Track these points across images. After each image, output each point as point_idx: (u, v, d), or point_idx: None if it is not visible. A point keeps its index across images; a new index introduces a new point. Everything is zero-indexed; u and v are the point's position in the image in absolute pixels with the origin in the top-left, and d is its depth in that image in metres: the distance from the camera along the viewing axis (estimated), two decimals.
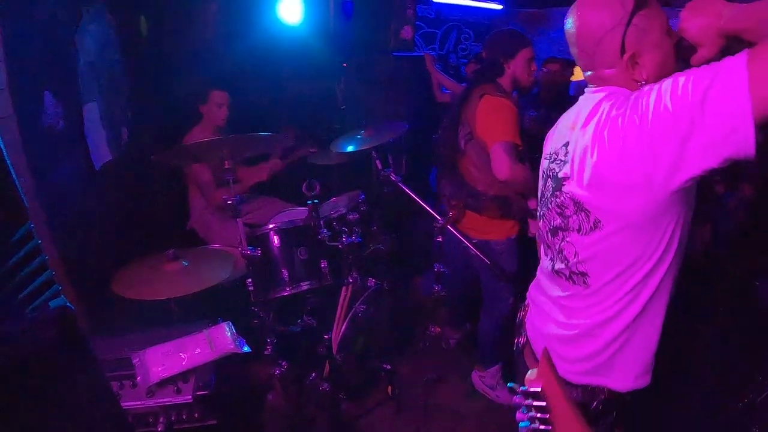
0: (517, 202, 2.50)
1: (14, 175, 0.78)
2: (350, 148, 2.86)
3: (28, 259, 0.77)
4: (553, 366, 0.95)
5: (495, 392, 2.95)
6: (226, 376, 1.74)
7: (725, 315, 2.85)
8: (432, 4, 5.36)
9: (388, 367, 2.75)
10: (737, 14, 0.99)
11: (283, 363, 2.43)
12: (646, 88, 1.05)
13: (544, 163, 1.37)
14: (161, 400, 1.54)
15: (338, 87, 3.62)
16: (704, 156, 0.93)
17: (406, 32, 3.89)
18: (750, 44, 0.93)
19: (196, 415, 1.55)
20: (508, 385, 0.97)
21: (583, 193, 1.17)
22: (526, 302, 1.54)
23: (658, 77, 1.06)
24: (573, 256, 1.24)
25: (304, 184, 2.35)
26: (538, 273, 1.49)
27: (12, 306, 0.74)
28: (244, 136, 2.07)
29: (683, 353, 2.60)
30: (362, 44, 3.76)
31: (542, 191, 1.37)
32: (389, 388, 2.82)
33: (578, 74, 4.79)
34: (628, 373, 1.25)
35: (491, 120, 2.35)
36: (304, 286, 2.39)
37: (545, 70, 3.80)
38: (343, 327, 2.49)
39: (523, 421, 0.92)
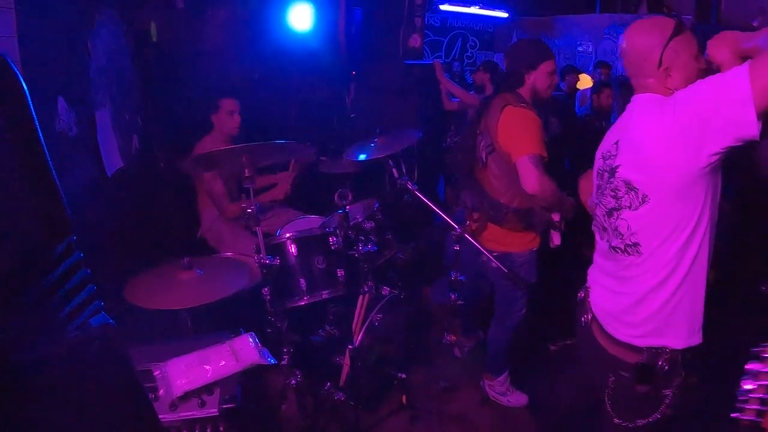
0: (540, 214, 2.46)
1: (61, 190, 0.73)
2: (363, 157, 2.82)
3: (69, 275, 0.72)
4: None
5: (506, 398, 2.91)
6: (251, 388, 1.69)
7: None
8: (438, 12, 5.35)
9: (403, 376, 2.70)
10: (752, 40, 1.31)
11: (298, 373, 2.38)
12: (677, 92, 1.37)
13: (600, 162, 1.62)
14: (185, 414, 1.48)
15: (348, 95, 3.58)
16: (721, 135, 1.24)
17: (415, 40, 3.87)
18: None
19: (221, 428, 1.49)
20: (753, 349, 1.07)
21: (632, 175, 1.45)
22: (588, 284, 1.76)
23: (685, 85, 1.41)
24: (627, 230, 1.49)
25: (337, 194, 2.31)
26: (595, 258, 1.74)
27: (53, 326, 0.68)
28: (264, 144, 2.02)
29: None
30: (371, 52, 3.73)
31: (599, 184, 1.62)
32: (403, 397, 2.77)
33: (584, 83, 4.81)
34: (681, 330, 1.48)
35: (516, 132, 2.31)
36: (323, 295, 2.34)
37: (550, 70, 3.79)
38: (360, 336, 2.43)
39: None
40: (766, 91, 1.17)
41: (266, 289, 2.24)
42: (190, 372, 1.53)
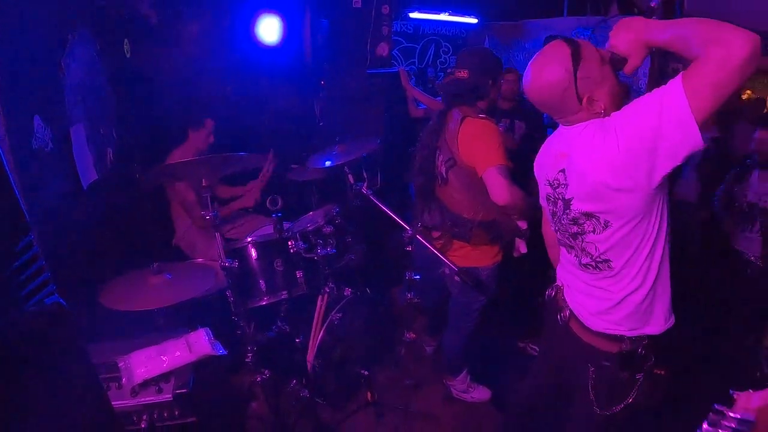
0: (506, 223, 2.53)
1: (17, 191, 0.98)
2: (327, 164, 3.07)
3: (28, 264, 0.98)
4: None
5: (469, 395, 3.15)
6: (208, 380, 1.94)
7: None
8: (409, 19, 5.63)
9: (366, 372, 2.95)
10: (659, 29, 1.35)
11: (266, 372, 2.62)
12: (615, 116, 1.46)
13: (548, 189, 1.74)
14: (144, 399, 1.74)
15: (316, 104, 3.85)
16: (670, 157, 1.34)
17: (383, 49, 4.14)
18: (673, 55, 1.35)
19: (176, 413, 1.75)
20: (715, 406, 1.01)
21: (589, 206, 1.57)
22: (559, 283, 1.91)
23: (614, 101, 1.54)
24: (595, 251, 1.64)
25: (268, 199, 2.54)
26: (564, 263, 1.88)
27: (15, 301, 0.94)
28: (219, 156, 2.28)
29: None
30: (339, 62, 4.00)
31: (554, 211, 1.74)
32: (369, 393, 3.01)
33: None
34: (659, 320, 1.68)
35: (479, 145, 2.36)
36: (281, 295, 2.59)
37: (502, 80, 4.02)
38: (320, 334, 2.69)
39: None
40: (704, 107, 1.26)
41: (229, 291, 2.50)
42: (149, 362, 1.79)
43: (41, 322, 0.95)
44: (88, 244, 2.82)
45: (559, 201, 1.68)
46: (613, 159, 1.42)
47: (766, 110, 6.11)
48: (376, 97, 3.99)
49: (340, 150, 3.06)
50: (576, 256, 1.73)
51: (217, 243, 2.36)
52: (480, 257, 2.62)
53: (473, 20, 5.76)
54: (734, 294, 3.48)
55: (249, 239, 2.62)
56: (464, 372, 3.11)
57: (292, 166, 3.68)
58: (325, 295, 2.70)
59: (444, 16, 5.47)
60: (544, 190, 1.79)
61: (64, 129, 2.84)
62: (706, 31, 1.25)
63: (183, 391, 1.73)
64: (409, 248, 2.67)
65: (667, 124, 1.30)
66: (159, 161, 3.25)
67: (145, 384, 1.76)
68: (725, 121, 4.63)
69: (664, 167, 1.37)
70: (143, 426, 1.72)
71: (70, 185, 2.84)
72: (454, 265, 2.45)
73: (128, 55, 3.54)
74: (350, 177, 2.79)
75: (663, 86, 1.32)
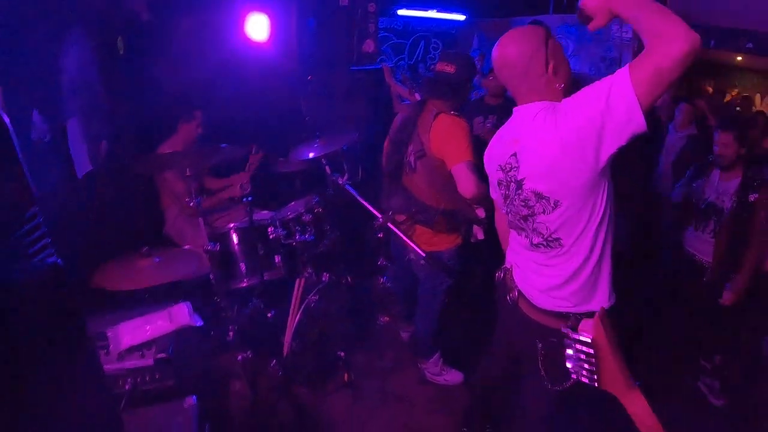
0: (464, 214, 2.78)
1: (25, 168, 1.25)
2: (311, 155, 3.32)
3: (35, 230, 1.25)
4: (606, 323, 1.22)
5: (442, 377, 3.40)
6: (188, 349, 2.21)
7: None
8: (397, 16, 5.87)
9: (342, 354, 3.21)
10: (623, 4, 1.51)
11: (248, 352, 2.88)
12: (566, 101, 1.64)
13: (500, 174, 1.90)
14: (128, 364, 2.01)
15: (303, 99, 4.10)
16: (616, 138, 1.52)
17: (368, 46, 4.38)
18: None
19: (156, 376, 2.02)
20: (561, 330, 1.33)
21: (540, 186, 1.73)
22: (508, 266, 2.10)
23: (567, 85, 1.75)
24: (546, 230, 1.81)
25: (239, 185, 2.80)
26: (514, 246, 2.05)
27: (22, 258, 1.21)
28: (203, 147, 2.54)
29: None
30: (327, 58, 4.25)
31: (506, 194, 1.90)
32: (345, 375, 3.26)
33: None
34: (603, 295, 1.87)
35: (449, 140, 2.58)
36: (263, 277, 2.86)
37: (491, 77, 4.24)
38: (298, 316, 2.95)
39: (573, 358, 1.26)
40: (648, 93, 1.44)
41: (212, 274, 2.76)
42: (135, 331, 2.06)
43: (42, 275, 1.22)
44: (81, 229, 3.08)
45: (512, 183, 1.85)
46: (565, 139, 1.60)
47: (755, 109, 6.34)
48: (359, 92, 4.24)
49: (320, 143, 3.31)
50: (527, 237, 1.90)
51: (201, 228, 2.62)
52: (441, 242, 2.89)
53: (461, 17, 6.00)
54: (681, 295, 3.53)
55: (231, 225, 2.88)
56: (437, 355, 3.35)
57: (280, 158, 3.93)
58: (303, 279, 2.96)
59: (432, 13, 5.72)
60: (495, 176, 1.96)
61: (61, 122, 3.11)
62: (656, 24, 1.43)
63: (162, 355, 1.99)
64: (380, 235, 2.93)
65: (614, 106, 1.48)
66: (151, 153, 3.51)
67: (130, 350, 2.03)
68: (704, 119, 4.87)
69: (610, 147, 1.55)
70: (127, 388, 1.99)
71: (66, 174, 3.11)
72: (422, 250, 2.74)
73: (121, 52, 3.80)
74: (327, 168, 3.05)
75: (612, 75, 1.52)
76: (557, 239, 1.81)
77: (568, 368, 1.93)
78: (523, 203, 1.82)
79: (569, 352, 1.17)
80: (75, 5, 3.29)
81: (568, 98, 1.65)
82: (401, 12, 5.69)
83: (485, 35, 6.10)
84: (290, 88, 4.12)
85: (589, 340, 1.14)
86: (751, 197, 3.10)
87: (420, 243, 2.80)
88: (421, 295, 3.14)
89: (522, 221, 1.88)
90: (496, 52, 1.79)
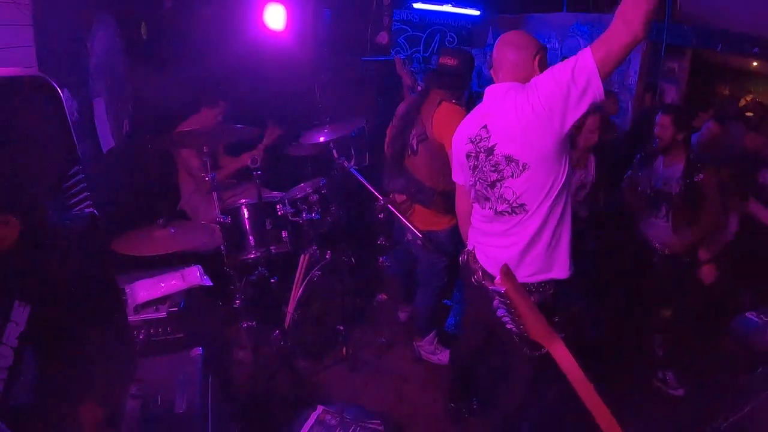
0: None
1: (76, 145, 1.55)
2: (321, 140, 3.59)
3: (77, 184, 1.54)
4: (512, 276, 1.34)
5: (436, 356, 3.65)
6: (198, 310, 2.50)
7: None
8: (413, 9, 6.13)
9: (341, 328, 3.49)
10: None
11: (253, 322, 3.17)
12: (533, 80, 1.98)
13: (469, 147, 2.19)
14: (144, 316, 2.30)
15: (317, 87, 4.38)
16: (580, 103, 1.85)
17: (382, 37, 4.65)
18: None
19: (168, 329, 2.31)
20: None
21: (511, 149, 2.02)
22: (470, 248, 2.33)
23: None
24: (512, 195, 2.07)
25: (250, 159, 3.08)
26: (476, 223, 2.29)
27: (67, 207, 1.51)
28: (217, 126, 2.84)
29: None
30: (340, 48, 4.52)
31: (474, 164, 2.17)
32: (343, 349, 3.54)
33: None
34: (563, 264, 2.14)
35: (450, 126, 2.69)
36: (271, 250, 3.14)
37: None
38: (301, 289, 3.24)
39: (499, 308, 1.40)
40: (604, 64, 1.80)
41: (223, 245, 3.06)
42: (150, 289, 2.35)
43: (82, 222, 1.52)
44: (103, 201, 3.39)
45: (481, 153, 2.14)
46: (536, 105, 1.92)
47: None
48: (370, 82, 4.51)
49: (330, 128, 3.59)
50: (491, 207, 2.17)
51: (213, 202, 2.91)
52: (438, 221, 3.16)
53: (475, 12, 6.23)
54: (638, 283, 3.68)
55: (242, 201, 3.18)
56: (432, 333, 3.61)
57: (293, 143, 4.21)
58: (307, 255, 3.24)
59: (447, 8, 5.96)
60: (464, 149, 2.23)
61: (88, 101, 3.43)
62: (633, 9, 1.74)
63: (174, 310, 2.28)
64: (380, 216, 3.20)
65: (578, 76, 1.83)
66: (170, 133, 3.82)
67: (145, 305, 2.32)
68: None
69: (576, 111, 1.88)
70: (141, 338, 2.28)
71: (92, 150, 3.43)
72: (418, 231, 3.04)
73: (145, 37, 4.12)
74: (334, 152, 3.33)
75: (576, 54, 1.87)
76: (522, 204, 2.07)
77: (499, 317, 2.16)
78: (493, 168, 2.10)
79: (495, 302, 1.39)
80: None
81: (536, 77, 1.99)
82: (417, 5, 5.94)
83: (499, 30, 6.32)
84: (305, 75, 4.39)
85: (503, 291, 1.31)
86: (697, 178, 3.32)
87: (418, 223, 3.10)
88: (420, 273, 3.41)
89: (489, 189, 2.14)
90: (507, 34, 2.18)
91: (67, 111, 2.78)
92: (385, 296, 3.67)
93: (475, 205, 2.30)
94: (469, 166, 2.22)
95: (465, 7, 6.09)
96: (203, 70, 4.12)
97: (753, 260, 3.53)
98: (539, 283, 2.15)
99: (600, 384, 1.29)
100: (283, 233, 3.17)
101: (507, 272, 1.29)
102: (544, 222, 2.08)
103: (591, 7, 5.56)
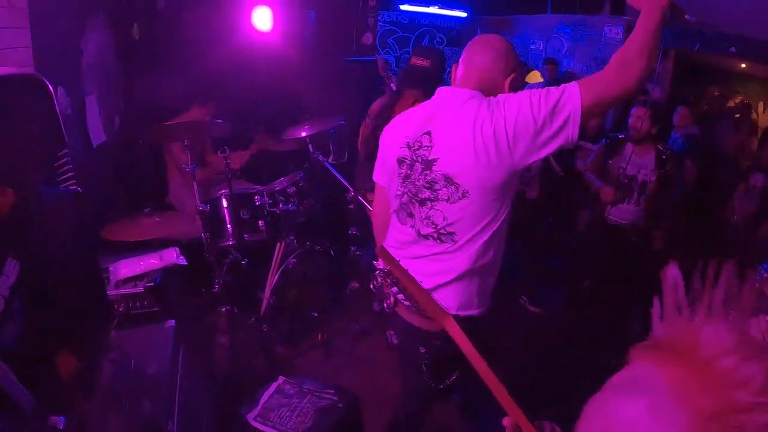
0: None
1: (64, 132, 1.91)
2: (302, 134, 3.94)
3: (64, 165, 1.91)
4: (391, 257, 1.32)
5: None
6: (173, 285, 2.86)
7: None
8: (400, 10, 6.50)
9: (316, 314, 3.83)
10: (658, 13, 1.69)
11: (232, 307, 3.51)
12: (508, 96, 1.78)
13: (404, 152, 1.94)
14: (124, 291, 2.66)
15: (301, 86, 4.75)
16: (547, 145, 1.70)
17: (367, 38, 5.01)
18: None
19: (145, 303, 2.67)
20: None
21: (454, 171, 1.77)
22: (384, 269, 2.01)
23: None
24: (442, 221, 1.84)
25: (240, 162, 3.43)
26: (393, 242, 2.04)
27: (55, 184, 1.88)
28: (196, 122, 3.21)
29: None
30: (324, 49, 4.89)
31: (407, 174, 1.92)
32: (319, 335, 3.87)
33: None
34: (485, 302, 1.98)
35: None
36: (245, 238, 3.50)
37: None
38: (276, 276, 3.59)
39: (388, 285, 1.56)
40: (590, 109, 1.66)
41: (204, 234, 3.42)
42: (130, 266, 2.72)
43: (67, 197, 1.89)
44: (93, 191, 3.77)
45: (417, 164, 1.88)
46: (500, 132, 1.70)
47: (755, 116, 6.78)
48: (353, 81, 4.86)
49: (309, 125, 3.95)
50: (413, 226, 1.93)
51: (194, 191, 3.27)
52: None
53: (462, 14, 6.59)
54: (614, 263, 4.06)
55: (222, 192, 3.54)
56: None
57: (276, 138, 4.57)
58: (283, 244, 3.59)
59: (434, 9, 6.32)
60: (397, 153, 1.98)
61: (81, 98, 3.81)
62: (637, 53, 1.67)
63: (151, 284, 2.65)
64: (351, 206, 3.54)
65: (558, 115, 1.67)
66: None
67: (126, 281, 2.69)
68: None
69: (539, 152, 1.72)
70: (121, 310, 2.65)
71: (83, 143, 3.81)
72: None
73: (137, 38, 4.50)
74: (310, 147, 3.69)
75: (563, 85, 1.71)
76: (451, 233, 1.86)
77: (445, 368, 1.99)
78: (427, 185, 1.86)
79: (379, 281, 1.55)
80: None
81: (509, 95, 1.79)
82: (404, 7, 6.31)
83: (487, 31, 6.66)
84: (290, 74, 4.76)
85: (387, 270, 1.44)
86: (669, 169, 3.79)
87: None
88: None
89: (417, 206, 1.91)
90: (482, 38, 1.99)
91: (60, 106, 3.18)
92: (357, 284, 4.00)
93: (394, 218, 2.05)
94: (400, 174, 1.98)
95: (452, 8, 6.45)
96: (193, 69, 4.49)
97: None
98: (460, 317, 1.91)
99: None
100: (260, 222, 3.51)
101: (383, 252, 1.31)
102: (474, 259, 1.87)
103: (578, 8, 5.90)
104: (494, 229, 1.84)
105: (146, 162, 4.37)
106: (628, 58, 1.67)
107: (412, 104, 3.12)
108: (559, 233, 5.17)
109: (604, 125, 5.12)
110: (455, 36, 6.98)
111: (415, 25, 6.79)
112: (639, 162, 3.85)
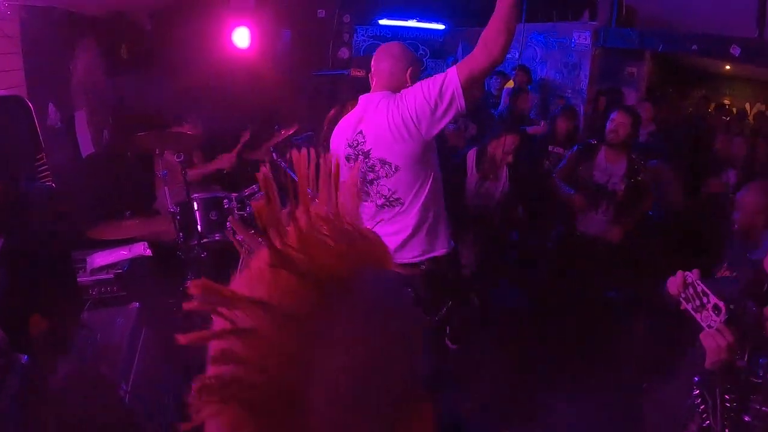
0: None
1: (38, 128, 2.54)
2: (272, 144, 4.57)
3: (41, 165, 2.54)
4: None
5: None
6: (138, 275, 3.46)
7: None
8: (379, 25, 7.11)
9: None
10: None
11: None
12: (405, 91, 2.52)
13: (348, 150, 2.66)
14: (96, 277, 3.27)
15: (278, 98, 5.37)
16: (444, 117, 2.41)
17: (343, 53, 5.62)
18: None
19: (115, 288, 3.28)
20: None
21: (384, 154, 2.52)
22: None
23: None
24: (388, 192, 2.60)
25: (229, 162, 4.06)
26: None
27: (33, 179, 2.51)
28: (174, 132, 3.85)
29: None
30: (302, 64, 5.52)
31: (354, 165, 2.58)
32: None
33: (509, 86, 6.40)
34: (443, 243, 2.76)
35: None
36: (215, 237, 4.10)
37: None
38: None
39: None
40: (467, 83, 2.32)
41: (178, 234, 4.03)
42: (104, 257, 3.34)
43: (44, 191, 2.52)
44: (82, 197, 4.41)
45: (360, 156, 2.60)
46: (405, 116, 2.41)
47: (750, 118, 7.18)
48: (325, 94, 5.46)
49: (277, 135, 4.57)
50: (371, 201, 2.67)
51: (166, 193, 3.90)
52: None
53: (440, 26, 7.17)
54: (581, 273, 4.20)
55: (194, 195, 4.16)
56: None
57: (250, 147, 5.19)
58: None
59: (412, 23, 6.91)
60: (343, 153, 2.68)
61: (70, 113, 4.48)
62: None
63: (119, 271, 3.26)
64: None
65: (445, 93, 2.35)
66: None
67: (99, 269, 3.30)
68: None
69: (440, 123, 2.43)
70: (94, 294, 3.25)
71: (72, 154, 4.47)
72: None
73: (125, 56, 5.18)
74: (274, 155, 4.30)
75: (446, 71, 2.40)
76: (397, 199, 2.62)
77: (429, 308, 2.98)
78: (370, 169, 2.60)
79: None
80: (86, 19, 4.69)
81: (409, 87, 2.53)
82: (382, 22, 6.91)
83: (468, 43, 7.21)
84: (265, 88, 5.39)
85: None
86: (641, 177, 3.95)
87: None
88: None
89: (368, 186, 2.65)
90: (388, 44, 2.76)
91: (50, 121, 3.87)
92: None
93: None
94: (350, 168, 2.54)
95: (430, 21, 7.03)
96: (179, 85, 5.14)
97: None
98: (426, 260, 2.72)
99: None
100: (228, 224, 4.12)
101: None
102: (421, 212, 2.61)
103: (554, 17, 6.44)
104: (428, 188, 2.59)
105: (134, 171, 5.01)
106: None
107: None
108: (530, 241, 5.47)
109: (575, 130, 5.53)
110: (438, 48, 7.53)
111: (398, 38, 7.34)
112: (611, 169, 3.99)
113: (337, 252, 0.57)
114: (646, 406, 2.41)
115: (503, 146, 4.06)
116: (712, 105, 7.14)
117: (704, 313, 1.67)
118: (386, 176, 2.58)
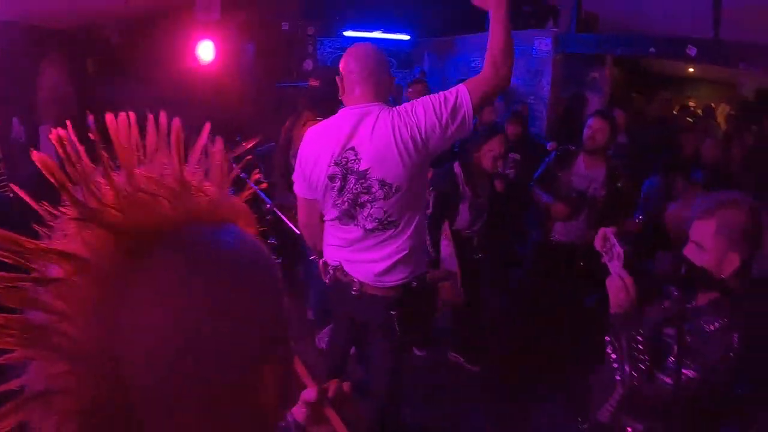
0: None
1: None
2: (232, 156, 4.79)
3: (3, 180, 2.79)
4: None
5: None
6: None
7: None
8: (343, 38, 7.35)
9: None
10: (504, 17, 2.25)
11: None
12: (409, 105, 2.38)
13: (333, 169, 2.42)
14: None
15: (242, 110, 5.61)
16: (452, 137, 2.35)
17: (308, 65, 5.88)
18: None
19: None
20: None
21: (386, 174, 2.33)
22: (335, 265, 2.64)
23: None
24: (383, 215, 2.41)
25: None
26: (336, 242, 2.61)
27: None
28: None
29: None
30: (265, 76, 5.76)
31: (342, 185, 2.42)
32: None
33: None
34: (422, 260, 2.71)
35: None
36: None
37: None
38: None
39: None
40: (478, 105, 2.28)
41: None
42: None
43: (4, 199, 2.77)
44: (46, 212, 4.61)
45: (351, 176, 2.39)
46: (415, 134, 2.29)
47: (718, 118, 7.45)
48: (288, 105, 5.69)
49: (239, 146, 4.80)
50: (357, 225, 2.48)
51: None
52: None
53: (406, 37, 7.42)
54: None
55: None
56: (328, 327, 4.63)
57: None
58: None
59: (378, 34, 7.14)
60: (326, 171, 2.45)
61: (35, 128, 4.69)
62: (500, 52, 2.24)
63: None
64: (269, 218, 4.34)
65: (457, 114, 2.27)
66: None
67: None
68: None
69: (447, 143, 2.39)
70: None
71: (37, 168, 4.67)
72: (297, 230, 4.12)
73: (91, 70, 5.40)
74: (233, 165, 4.52)
75: (454, 88, 2.33)
76: (393, 221, 2.45)
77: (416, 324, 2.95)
78: (365, 191, 2.40)
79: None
80: (53, 33, 4.91)
81: (414, 101, 2.39)
82: (347, 33, 7.15)
83: (433, 53, 7.48)
84: (229, 101, 5.63)
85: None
86: (620, 184, 3.93)
87: None
88: (305, 270, 4.50)
89: (357, 209, 2.46)
90: (370, 50, 2.53)
91: (14, 134, 4.11)
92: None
93: (334, 225, 2.58)
94: (334, 188, 2.46)
95: (395, 32, 7.26)
96: (145, 98, 5.36)
97: None
98: (414, 278, 2.61)
99: None
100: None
101: None
102: (415, 234, 2.52)
103: (520, 25, 6.69)
104: (420, 207, 2.56)
105: None
106: (498, 60, 2.26)
107: (303, 125, 3.66)
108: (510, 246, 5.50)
109: (525, 134, 5.51)
110: (404, 58, 7.73)
111: None
112: (591, 175, 3.95)
113: (161, 210, 0.58)
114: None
115: (492, 152, 3.87)
116: (677, 107, 7.39)
117: (613, 262, 1.88)
118: (384, 198, 2.41)
